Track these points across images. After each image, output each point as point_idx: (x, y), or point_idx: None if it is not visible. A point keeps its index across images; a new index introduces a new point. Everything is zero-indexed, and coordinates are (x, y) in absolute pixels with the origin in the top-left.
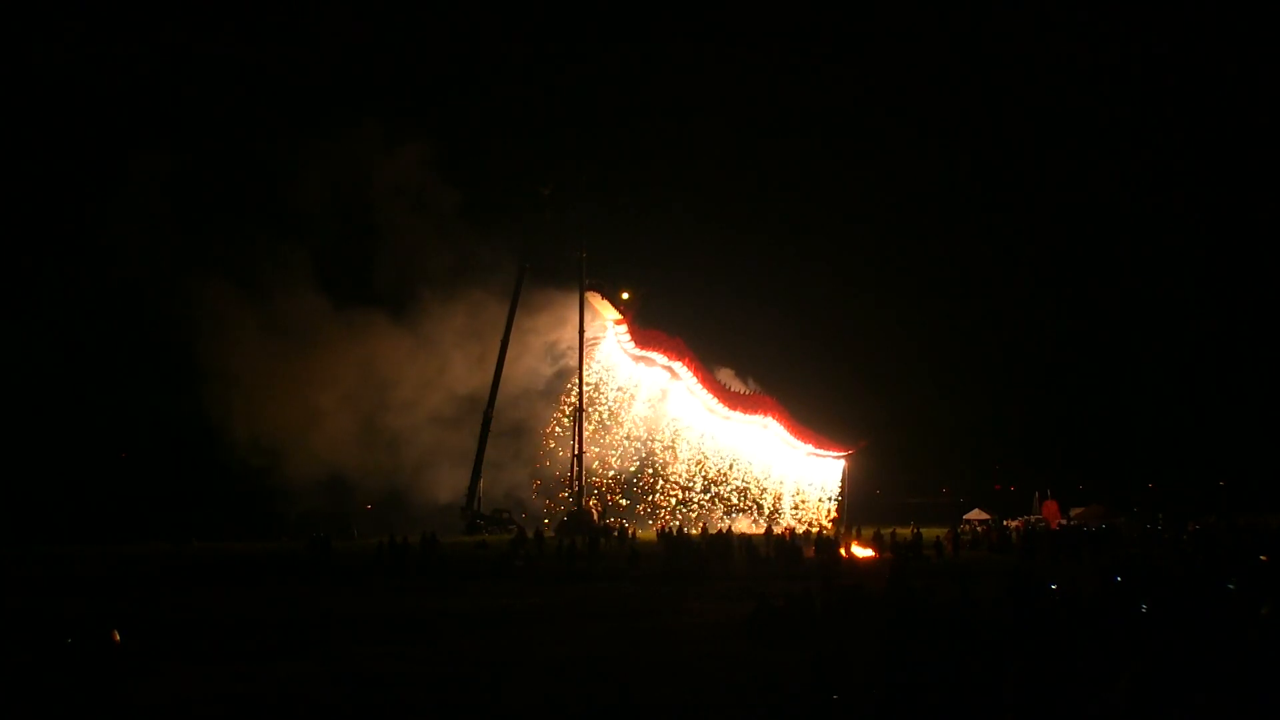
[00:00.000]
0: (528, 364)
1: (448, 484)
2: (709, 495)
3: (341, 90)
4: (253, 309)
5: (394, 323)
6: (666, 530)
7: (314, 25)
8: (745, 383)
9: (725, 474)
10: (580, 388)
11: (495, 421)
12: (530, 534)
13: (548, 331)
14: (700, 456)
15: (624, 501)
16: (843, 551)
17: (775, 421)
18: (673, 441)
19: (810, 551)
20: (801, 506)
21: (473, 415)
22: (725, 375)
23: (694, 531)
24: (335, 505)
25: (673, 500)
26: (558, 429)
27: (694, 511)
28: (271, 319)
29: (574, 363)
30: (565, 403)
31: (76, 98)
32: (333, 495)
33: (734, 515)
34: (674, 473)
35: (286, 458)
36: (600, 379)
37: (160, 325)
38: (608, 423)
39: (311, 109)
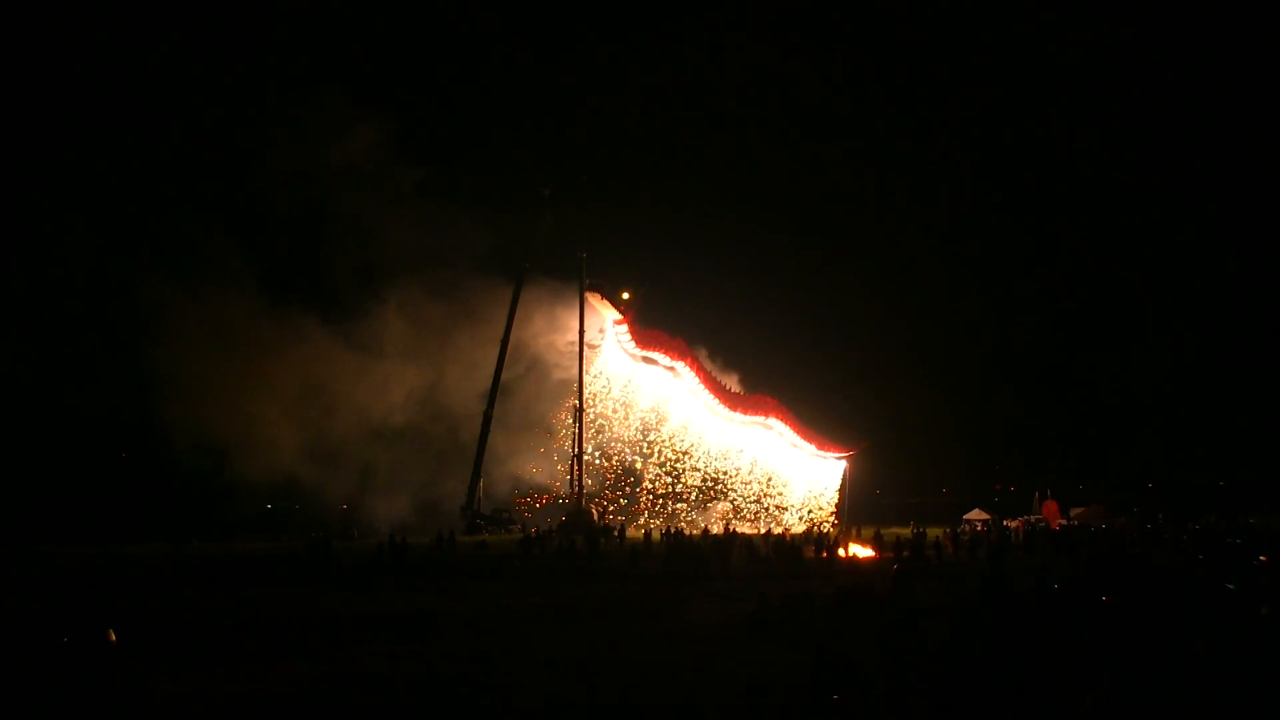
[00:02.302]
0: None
1: (441, 483)
2: (710, 496)
3: (334, 90)
4: (231, 312)
5: (383, 327)
6: (669, 530)
7: (299, 16)
8: (713, 360)
9: (726, 474)
10: (580, 388)
11: (455, 432)
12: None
13: (520, 332)
14: (701, 457)
15: (623, 501)
16: (842, 552)
17: (777, 422)
18: (673, 442)
19: (810, 551)
20: (802, 506)
21: (441, 417)
22: (723, 373)
23: (714, 529)
24: (297, 505)
25: (670, 502)
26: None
27: (694, 512)
28: (253, 324)
29: (543, 365)
30: (565, 404)
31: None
32: (305, 497)
33: (734, 515)
34: (674, 473)
35: (251, 460)
36: (601, 379)
37: (118, 326)
38: (606, 424)
39: (289, 102)
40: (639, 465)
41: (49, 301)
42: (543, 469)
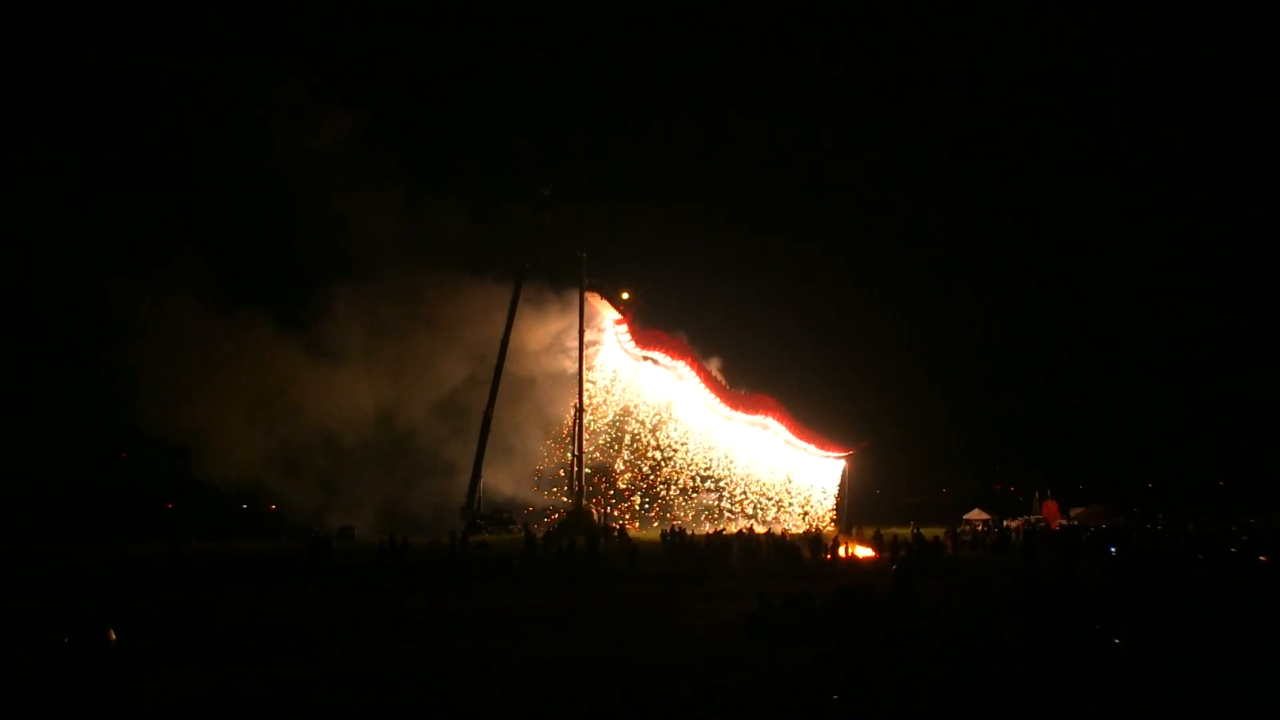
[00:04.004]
0: (459, 371)
1: (414, 488)
2: (711, 496)
3: (328, 91)
4: (196, 312)
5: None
6: (671, 530)
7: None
8: (695, 346)
9: (726, 474)
10: (580, 388)
11: (423, 435)
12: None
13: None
14: (701, 456)
15: (617, 502)
16: (843, 551)
17: (776, 421)
18: (673, 441)
19: (809, 551)
20: (802, 504)
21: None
22: (722, 373)
23: (726, 529)
24: (273, 505)
25: (671, 501)
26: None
27: (694, 512)
28: (218, 325)
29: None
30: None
31: None
32: (273, 499)
33: (734, 515)
34: (675, 473)
35: (215, 462)
36: (600, 380)
37: (85, 326)
38: (606, 423)
39: (265, 99)
40: (638, 465)
41: (21, 299)
42: (517, 479)
